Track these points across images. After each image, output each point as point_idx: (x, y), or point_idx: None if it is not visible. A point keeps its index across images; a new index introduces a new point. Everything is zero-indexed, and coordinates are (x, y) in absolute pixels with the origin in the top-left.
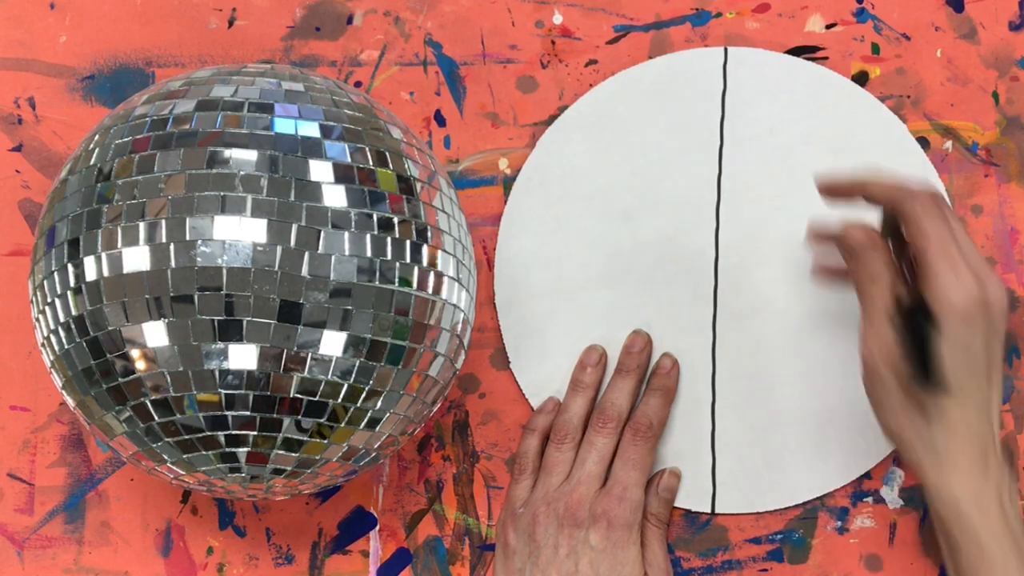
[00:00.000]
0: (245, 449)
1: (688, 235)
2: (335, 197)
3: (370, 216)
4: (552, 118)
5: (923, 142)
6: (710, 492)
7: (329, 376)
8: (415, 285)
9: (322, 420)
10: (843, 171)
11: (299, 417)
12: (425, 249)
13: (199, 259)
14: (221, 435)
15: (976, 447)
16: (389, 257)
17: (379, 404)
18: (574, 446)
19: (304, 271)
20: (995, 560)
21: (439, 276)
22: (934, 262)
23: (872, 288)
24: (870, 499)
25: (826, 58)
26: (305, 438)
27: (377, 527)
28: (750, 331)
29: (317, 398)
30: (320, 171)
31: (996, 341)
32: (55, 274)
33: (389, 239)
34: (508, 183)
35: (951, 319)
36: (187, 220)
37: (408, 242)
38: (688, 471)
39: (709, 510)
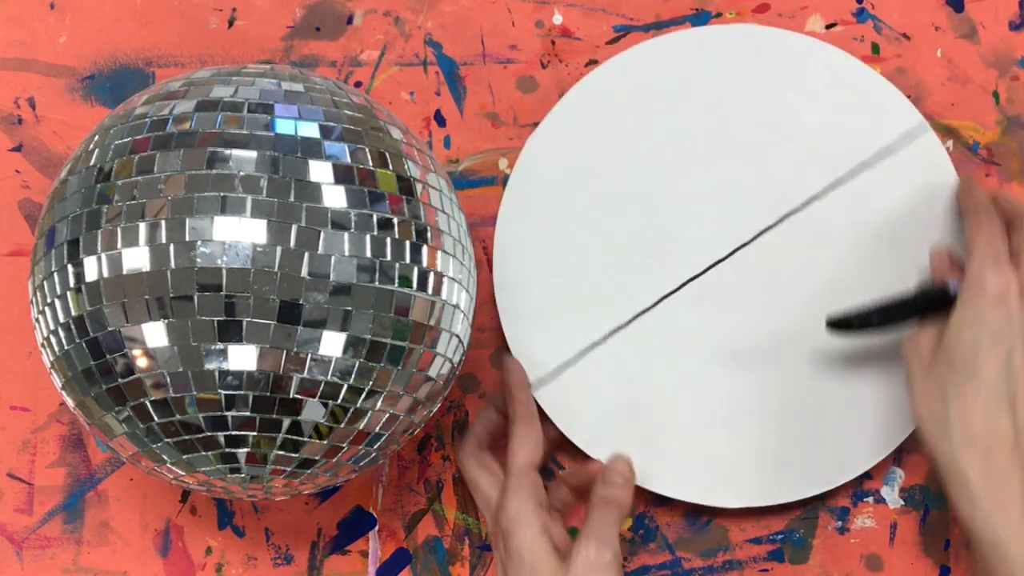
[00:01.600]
0: (245, 450)
1: (689, 231)
2: (335, 197)
3: (370, 216)
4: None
5: None
6: (711, 488)
7: (329, 376)
8: (415, 285)
9: (322, 420)
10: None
11: (299, 417)
12: (425, 249)
13: (199, 259)
14: (221, 435)
15: (996, 437)
16: (389, 257)
17: (379, 404)
18: None
19: (304, 271)
20: (1012, 560)
21: (439, 276)
22: (977, 248)
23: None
24: (871, 499)
25: None
26: (305, 438)
27: (376, 527)
28: (752, 327)
29: (317, 398)
30: (320, 171)
31: None
32: (55, 274)
33: (389, 239)
34: (508, 183)
35: (979, 296)
36: (187, 221)
37: (408, 242)
38: (689, 466)
39: (709, 504)
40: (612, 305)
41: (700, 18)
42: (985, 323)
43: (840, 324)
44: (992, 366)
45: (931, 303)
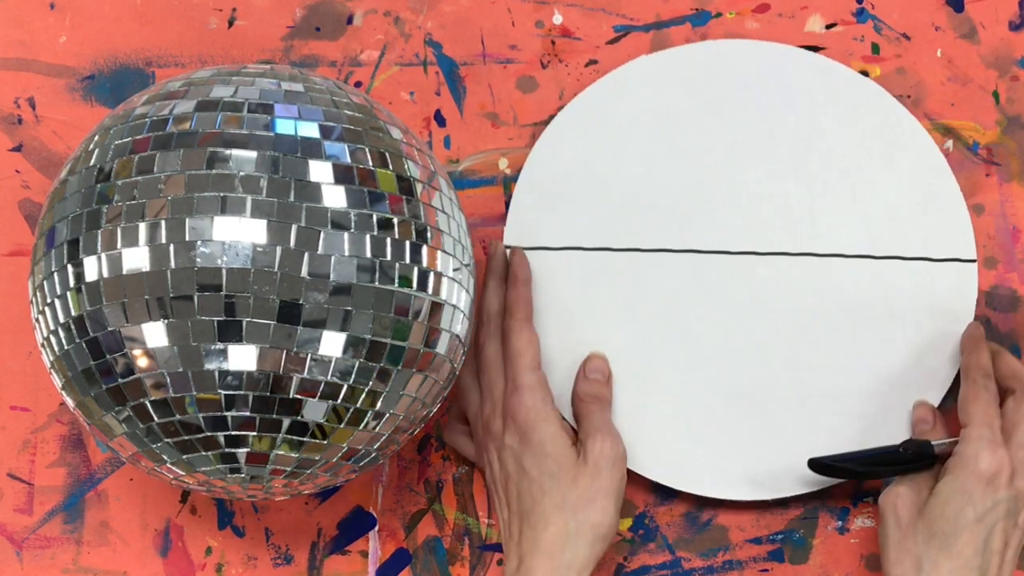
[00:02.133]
0: (245, 450)
1: (696, 230)
2: (335, 197)
3: (370, 216)
4: (552, 118)
5: None
6: (712, 480)
7: (329, 376)
8: (415, 285)
9: (322, 420)
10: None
11: (299, 417)
12: (425, 249)
13: (199, 260)
14: (221, 435)
15: None
16: (389, 257)
17: (379, 404)
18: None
19: (304, 271)
20: None
21: (439, 276)
22: (974, 424)
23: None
24: (870, 499)
25: None
26: (305, 438)
27: (376, 527)
28: (755, 323)
29: (317, 398)
30: (320, 171)
31: (1017, 532)
32: (55, 274)
33: (389, 239)
34: (508, 183)
35: (971, 476)
36: (187, 221)
37: (408, 242)
38: (692, 459)
39: (711, 496)
40: (621, 300)
41: (700, 18)
42: (972, 502)
43: (821, 468)
44: (971, 544)
45: (914, 459)
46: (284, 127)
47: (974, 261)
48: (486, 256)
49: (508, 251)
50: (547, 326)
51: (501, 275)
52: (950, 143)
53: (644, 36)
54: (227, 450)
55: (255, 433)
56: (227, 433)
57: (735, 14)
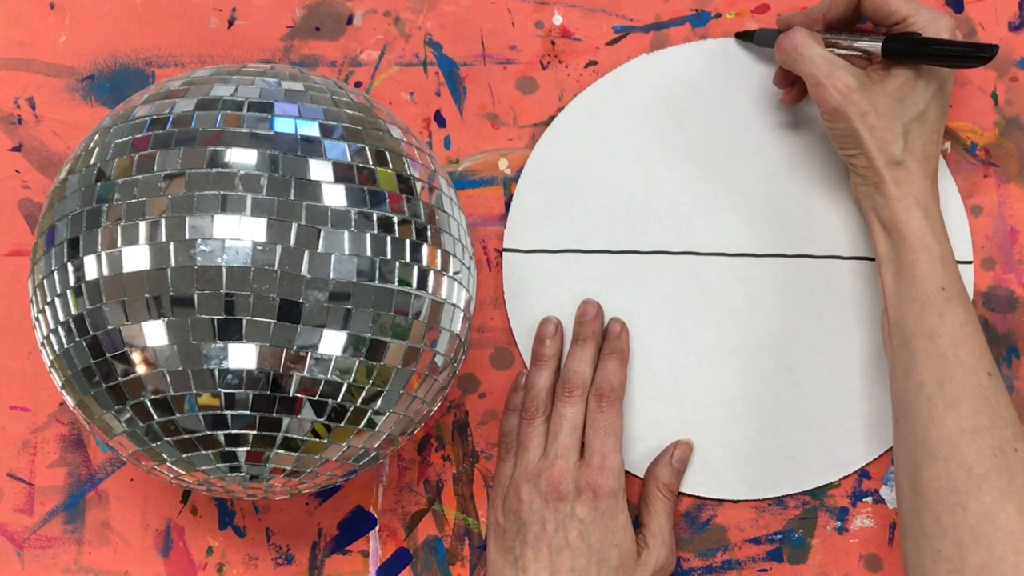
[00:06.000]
0: (245, 449)
1: (694, 232)
2: (335, 197)
3: (370, 216)
4: (552, 119)
5: None
6: (711, 480)
7: (329, 376)
8: (415, 285)
9: (322, 420)
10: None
11: (298, 417)
12: (425, 249)
13: (199, 258)
14: (221, 435)
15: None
16: (389, 257)
17: (379, 404)
18: (545, 419)
19: (304, 270)
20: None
21: (439, 276)
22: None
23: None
24: (870, 499)
25: None
26: (305, 438)
27: (377, 527)
28: (752, 324)
29: (317, 398)
30: (320, 171)
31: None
32: (55, 273)
33: (389, 239)
34: (508, 183)
35: (951, 30)
36: (187, 219)
37: (408, 242)
38: (690, 459)
39: (709, 496)
40: (611, 238)
41: (700, 19)
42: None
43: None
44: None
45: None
46: (284, 126)
47: (970, 263)
48: (486, 257)
49: (610, 324)
50: None
51: (594, 342)
52: (948, 144)
53: (644, 37)
54: (227, 449)
55: (255, 432)
56: (227, 432)
57: (735, 15)
